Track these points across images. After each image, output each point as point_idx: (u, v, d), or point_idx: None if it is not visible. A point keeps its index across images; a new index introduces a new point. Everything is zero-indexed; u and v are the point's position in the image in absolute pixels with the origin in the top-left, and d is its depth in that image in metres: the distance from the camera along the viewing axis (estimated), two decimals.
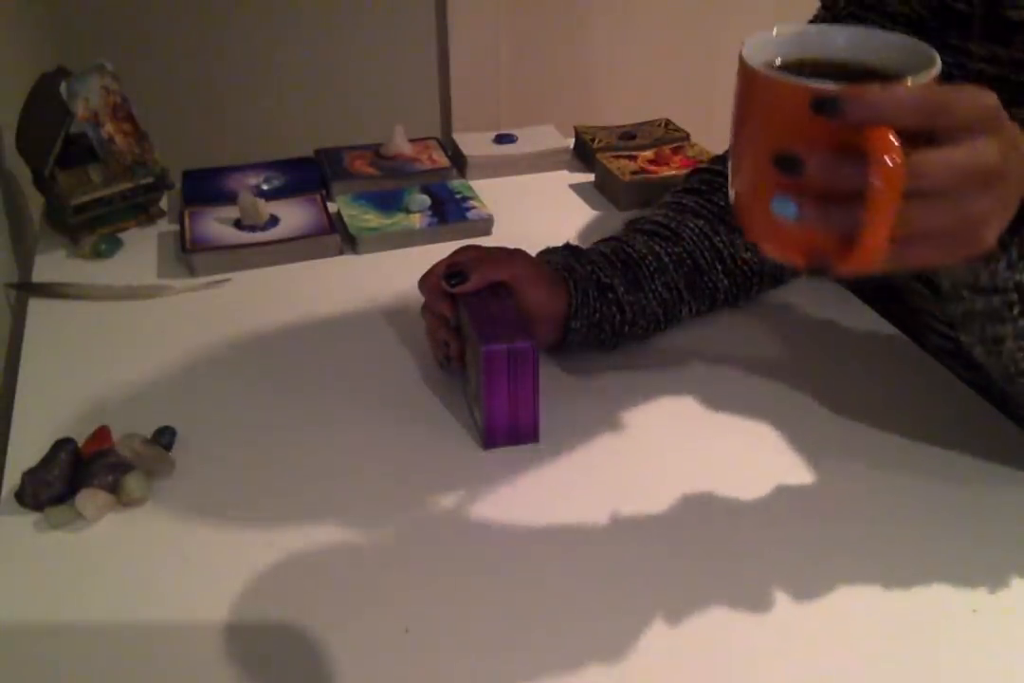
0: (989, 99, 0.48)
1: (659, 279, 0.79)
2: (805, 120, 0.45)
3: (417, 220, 0.99)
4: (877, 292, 0.86)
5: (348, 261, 0.96)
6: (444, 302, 0.73)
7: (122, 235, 0.99)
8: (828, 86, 0.45)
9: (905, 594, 0.58)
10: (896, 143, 0.43)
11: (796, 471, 0.67)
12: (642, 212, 0.87)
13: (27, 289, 0.91)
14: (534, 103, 1.94)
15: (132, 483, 0.64)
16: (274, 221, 0.98)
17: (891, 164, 0.43)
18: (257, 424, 0.72)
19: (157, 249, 0.98)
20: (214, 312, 0.87)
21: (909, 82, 0.46)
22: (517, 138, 1.16)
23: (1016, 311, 0.58)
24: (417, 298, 0.76)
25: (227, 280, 0.92)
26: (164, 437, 0.69)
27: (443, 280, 0.72)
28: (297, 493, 0.66)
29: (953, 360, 0.77)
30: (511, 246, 0.77)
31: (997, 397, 0.74)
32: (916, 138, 0.45)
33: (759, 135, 0.49)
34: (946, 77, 0.48)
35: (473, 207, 1.02)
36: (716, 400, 0.75)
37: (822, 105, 0.44)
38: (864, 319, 0.85)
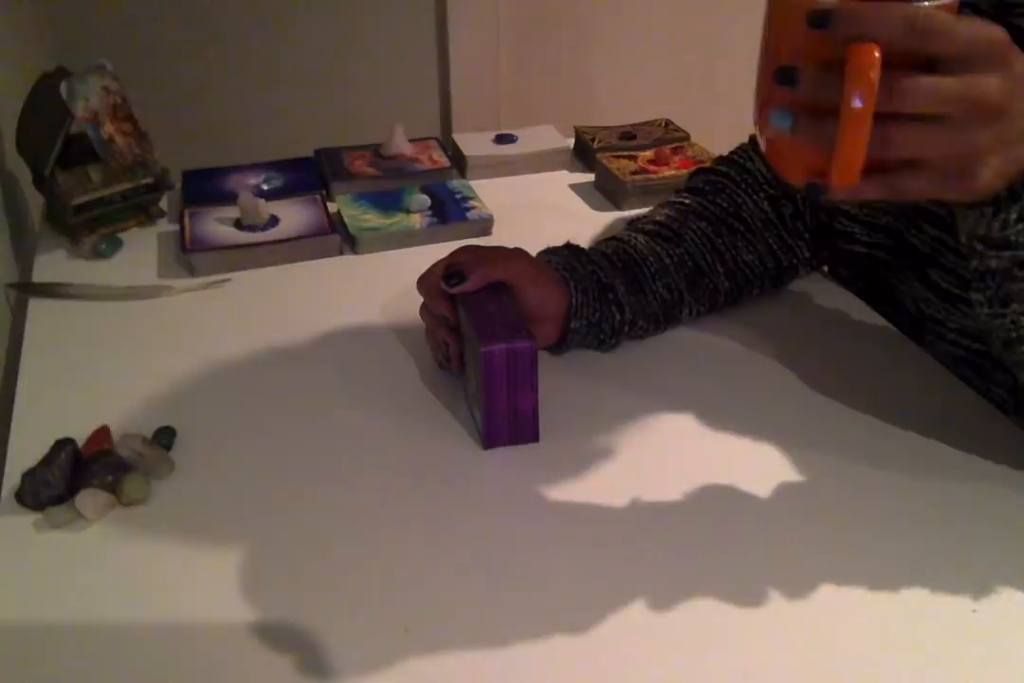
0: (996, 33, 0.48)
1: (660, 280, 0.79)
2: (804, 35, 0.47)
3: (417, 220, 0.99)
4: (876, 298, 0.86)
5: (348, 261, 0.96)
6: (443, 302, 0.73)
7: (122, 235, 0.99)
8: (825, 1, 0.46)
9: (905, 594, 0.58)
10: (876, 58, 0.45)
11: (797, 470, 0.67)
12: (644, 212, 0.87)
13: (27, 289, 0.91)
14: (534, 103, 1.94)
15: (132, 483, 0.64)
16: (274, 221, 0.98)
17: (867, 79, 0.45)
18: (257, 424, 0.72)
19: (157, 249, 0.98)
20: (214, 312, 0.87)
21: (925, 3, 0.46)
22: (517, 138, 1.16)
23: None
24: (417, 298, 0.76)
25: (227, 280, 0.92)
26: (164, 437, 0.69)
27: (442, 280, 0.72)
28: (297, 493, 0.66)
29: (965, 368, 0.77)
30: (511, 246, 0.77)
31: (995, 402, 0.74)
32: (919, 67, 0.47)
33: (769, 51, 0.51)
34: None
35: (473, 207, 1.02)
36: (716, 400, 0.75)
37: (817, 18, 0.46)
38: (864, 320, 0.85)
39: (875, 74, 0.45)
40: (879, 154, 0.48)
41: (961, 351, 0.77)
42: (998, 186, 0.53)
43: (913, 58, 0.47)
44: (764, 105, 0.52)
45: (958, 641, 0.55)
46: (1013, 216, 0.55)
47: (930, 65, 0.47)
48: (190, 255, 0.93)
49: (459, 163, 1.13)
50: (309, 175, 1.09)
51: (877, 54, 0.45)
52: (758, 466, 0.68)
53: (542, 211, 1.06)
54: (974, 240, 0.58)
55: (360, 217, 1.00)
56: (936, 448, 0.69)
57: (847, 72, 0.45)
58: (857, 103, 0.45)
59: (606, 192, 1.09)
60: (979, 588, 0.58)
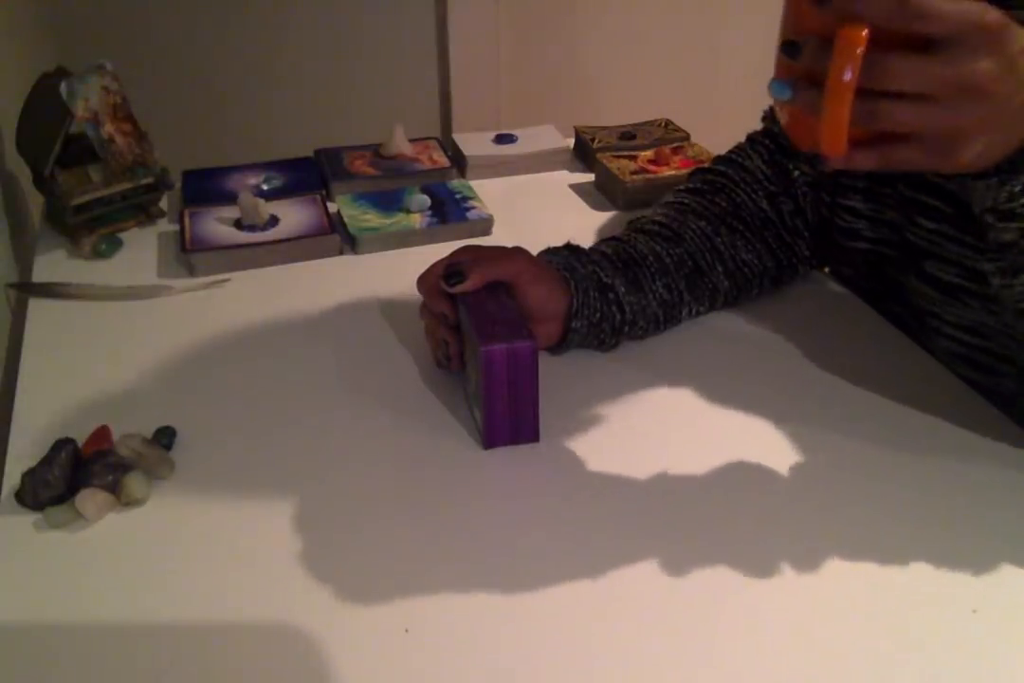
0: (990, 16, 0.49)
1: (660, 280, 0.79)
2: (808, 12, 0.50)
3: (417, 220, 0.99)
4: (882, 296, 0.86)
5: (348, 261, 0.96)
6: (443, 302, 0.73)
7: (122, 235, 0.99)
8: None
9: (905, 593, 0.58)
10: (863, 36, 0.48)
11: (796, 471, 0.67)
12: (644, 212, 0.87)
13: (27, 289, 0.91)
14: (534, 103, 1.94)
15: (132, 483, 0.64)
16: (274, 221, 0.98)
17: (852, 54, 0.48)
18: (257, 424, 0.72)
19: (157, 249, 0.98)
20: (214, 312, 0.87)
21: None
22: (517, 138, 1.16)
23: None
24: (417, 298, 0.76)
25: (227, 280, 0.92)
26: (164, 437, 0.69)
27: (442, 280, 0.72)
28: (296, 493, 0.66)
29: (962, 363, 0.77)
30: (511, 246, 0.77)
31: (1005, 398, 0.74)
32: (916, 48, 0.49)
33: (781, 28, 0.54)
34: None
35: (473, 207, 1.02)
36: (716, 400, 0.75)
37: None
38: (864, 320, 0.85)
39: (860, 50, 0.48)
40: (868, 127, 0.51)
41: (958, 346, 0.77)
42: (993, 159, 0.55)
43: (907, 39, 0.49)
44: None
45: (958, 641, 0.55)
46: (1018, 188, 0.57)
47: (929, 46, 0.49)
48: (190, 255, 0.93)
49: (459, 163, 1.13)
50: (309, 175, 1.09)
51: (864, 32, 0.48)
52: (759, 465, 0.68)
53: (542, 211, 1.06)
54: (985, 212, 0.60)
55: (360, 217, 1.00)
56: (937, 450, 0.69)
57: (835, 47, 0.48)
58: (841, 76, 0.48)
59: (606, 192, 1.09)
60: (979, 588, 0.58)
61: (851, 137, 0.51)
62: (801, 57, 0.51)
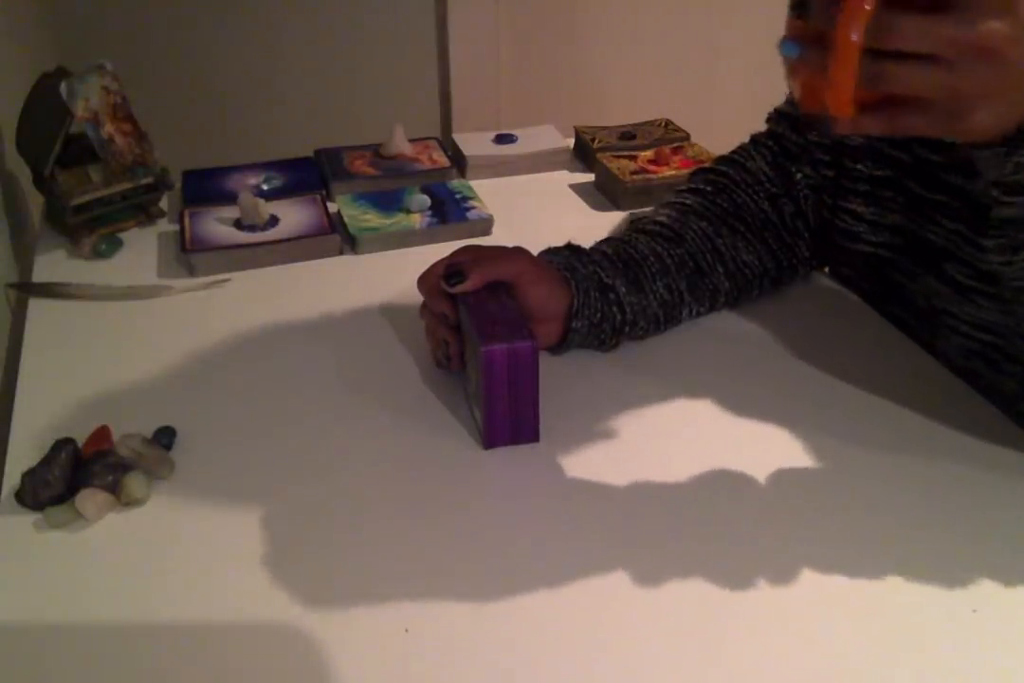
0: None
1: (660, 280, 0.79)
2: None
3: (417, 220, 0.99)
4: (882, 297, 0.85)
5: (348, 261, 0.96)
6: (443, 302, 0.73)
7: (122, 235, 0.99)
8: None
9: (905, 593, 0.58)
10: None
11: (797, 471, 0.67)
12: (645, 212, 0.87)
13: (27, 289, 0.91)
14: (534, 103, 1.94)
15: (132, 483, 0.64)
16: (274, 221, 0.98)
17: (860, 12, 0.48)
18: (257, 424, 0.72)
19: (157, 249, 0.98)
20: (214, 312, 0.87)
21: None
22: (517, 138, 1.16)
23: None
24: (417, 298, 0.76)
25: (227, 280, 0.92)
26: (164, 437, 0.69)
27: (442, 280, 0.72)
28: (297, 493, 0.66)
29: (977, 360, 0.77)
30: (511, 246, 0.77)
31: (1006, 399, 0.74)
32: (930, 9, 0.48)
33: None
34: None
35: (473, 207, 1.02)
36: (716, 400, 0.75)
37: None
38: (865, 321, 0.85)
39: (869, 9, 0.47)
40: (875, 88, 0.50)
41: (974, 344, 0.76)
42: (1001, 128, 0.53)
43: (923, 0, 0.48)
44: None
45: (959, 641, 0.55)
46: None
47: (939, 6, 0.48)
48: (190, 255, 0.93)
49: (459, 163, 1.13)
50: (309, 175, 1.09)
51: None
52: (758, 466, 0.68)
53: (542, 211, 1.06)
54: (991, 187, 0.59)
55: (360, 217, 1.00)
56: (937, 450, 0.69)
57: (843, 6, 0.48)
58: (848, 35, 0.48)
59: (606, 192, 1.09)
60: (979, 588, 0.58)
61: (859, 100, 0.50)
62: (810, 17, 0.50)
